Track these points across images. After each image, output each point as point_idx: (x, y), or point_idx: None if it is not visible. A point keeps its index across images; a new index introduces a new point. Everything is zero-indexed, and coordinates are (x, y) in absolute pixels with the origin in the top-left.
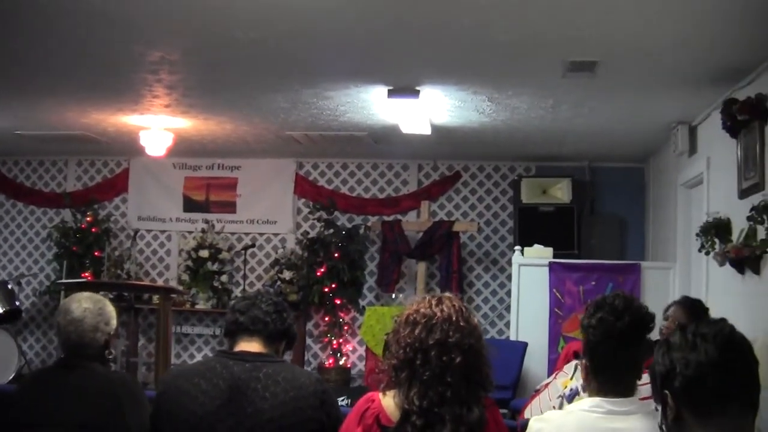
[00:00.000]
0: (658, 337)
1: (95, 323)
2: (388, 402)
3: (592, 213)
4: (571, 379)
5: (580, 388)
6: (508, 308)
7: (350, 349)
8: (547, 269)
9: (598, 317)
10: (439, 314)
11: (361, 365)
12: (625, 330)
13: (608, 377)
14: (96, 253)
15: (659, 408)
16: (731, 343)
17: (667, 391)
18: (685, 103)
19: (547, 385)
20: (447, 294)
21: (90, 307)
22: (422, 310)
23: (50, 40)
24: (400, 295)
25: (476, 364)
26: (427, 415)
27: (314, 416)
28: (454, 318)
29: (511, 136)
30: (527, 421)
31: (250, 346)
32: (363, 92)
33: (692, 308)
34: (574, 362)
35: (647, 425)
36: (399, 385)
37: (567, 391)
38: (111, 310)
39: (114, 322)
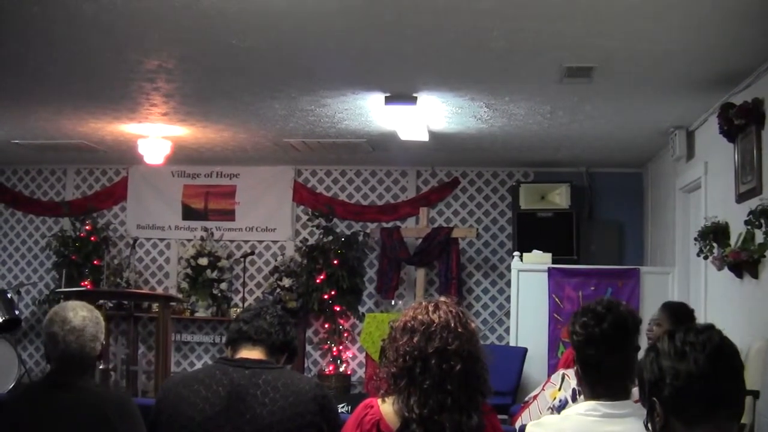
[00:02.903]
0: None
1: (95, 332)
2: (387, 409)
3: (591, 218)
4: (559, 389)
5: (568, 398)
6: (507, 314)
7: (350, 356)
8: (546, 275)
9: (581, 322)
10: (437, 321)
11: (361, 372)
12: (607, 333)
13: (598, 381)
14: (95, 262)
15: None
16: (721, 353)
17: (655, 399)
18: (683, 108)
19: (535, 396)
20: (443, 299)
21: (88, 315)
22: (419, 317)
23: (46, 49)
24: (400, 302)
25: (475, 370)
26: (426, 423)
27: (314, 422)
28: (452, 324)
29: (508, 142)
30: (524, 427)
31: (252, 354)
32: (360, 99)
33: (676, 312)
34: (560, 372)
35: (642, 428)
36: (398, 392)
37: (556, 402)
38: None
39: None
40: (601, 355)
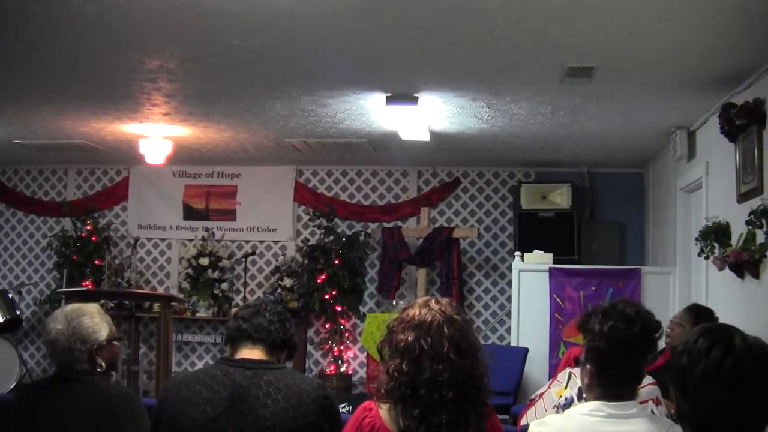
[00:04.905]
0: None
1: (68, 345)
2: (385, 414)
3: (592, 218)
4: (566, 388)
5: (575, 397)
6: (508, 314)
7: (351, 356)
8: (547, 275)
9: (610, 324)
10: (426, 347)
11: (362, 372)
12: (636, 338)
13: (612, 383)
14: (96, 262)
15: (655, 411)
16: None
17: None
18: (684, 108)
19: (541, 395)
20: (437, 306)
21: (62, 328)
22: (409, 338)
23: (48, 49)
24: (401, 302)
25: (472, 385)
26: None
27: (316, 422)
28: (444, 350)
29: (509, 142)
30: (527, 426)
31: (252, 353)
32: (361, 99)
33: (698, 316)
34: (567, 371)
35: (647, 429)
36: (394, 404)
37: (562, 401)
38: (91, 323)
39: (98, 335)
40: (624, 359)
